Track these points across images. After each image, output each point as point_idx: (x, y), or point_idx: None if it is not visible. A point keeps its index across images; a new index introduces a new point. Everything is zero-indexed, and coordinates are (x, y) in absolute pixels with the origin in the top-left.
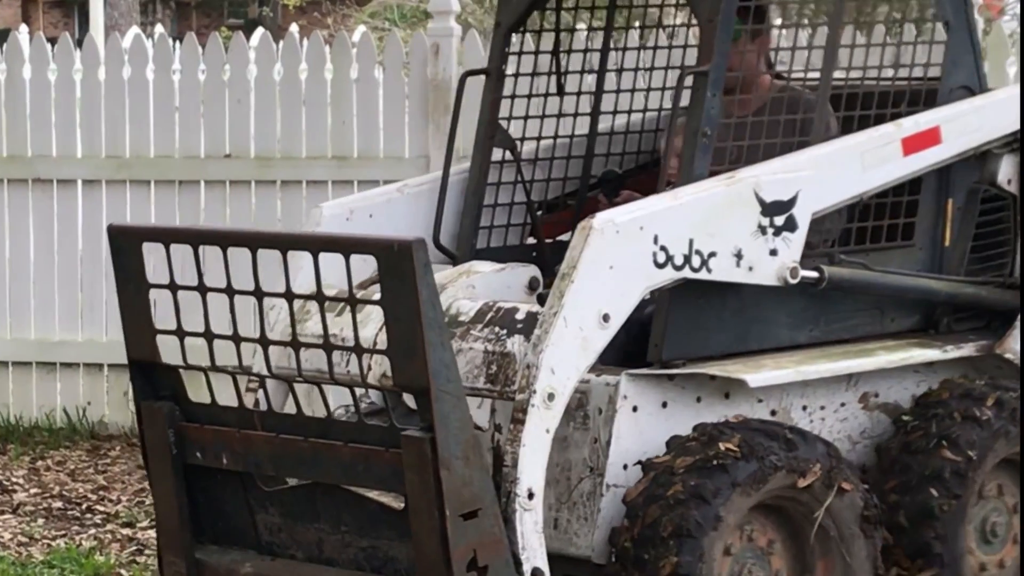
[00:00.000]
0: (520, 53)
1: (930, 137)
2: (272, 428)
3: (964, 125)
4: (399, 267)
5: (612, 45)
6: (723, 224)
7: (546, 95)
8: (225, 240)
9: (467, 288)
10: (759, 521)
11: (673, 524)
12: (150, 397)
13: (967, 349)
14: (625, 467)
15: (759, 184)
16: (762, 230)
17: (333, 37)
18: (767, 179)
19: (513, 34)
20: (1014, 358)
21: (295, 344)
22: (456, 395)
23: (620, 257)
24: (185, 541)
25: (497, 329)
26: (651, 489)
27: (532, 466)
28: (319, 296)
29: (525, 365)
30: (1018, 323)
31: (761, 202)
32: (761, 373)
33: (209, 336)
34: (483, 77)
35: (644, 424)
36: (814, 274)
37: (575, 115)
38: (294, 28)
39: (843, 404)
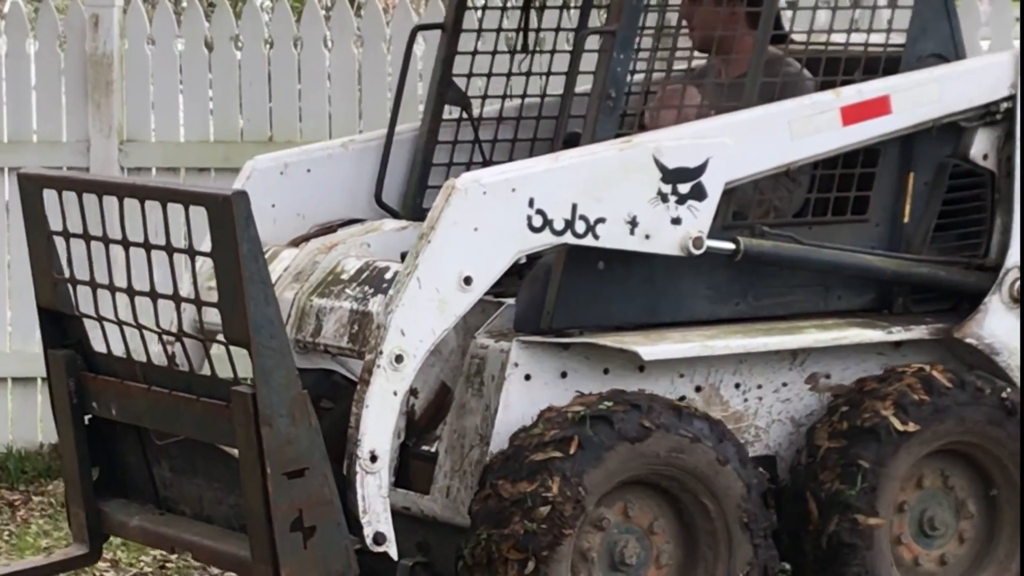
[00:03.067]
0: (485, 8)
1: (877, 107)
2: (150, 380)
3: (920, 95)
4: (223, 220)
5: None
6: (614, 189)
7: (512, 52)
8: (96, 188)
9: (361, 246)
10: (635, 501)
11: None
12: (55, 345)
13: (918, 332)
14: None
15: (660, 149)
16: (663, 197)
17: None
18: (670, 144)
19: None
20: (976, 343)
21: (131, 292)
22: (280, 351)
23: (487, 219)
24: (86, 492)
25: (366, 288)
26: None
27: (376, 428)
28: (168, 247)
29: (376, 325)
30: (983, 307)
31: (662, 168)
32: (659, 346)
33: (93, 285)
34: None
35: (539, 394)
36: (729, 246)
37: (547, 74)
38: None
39: (785, 384)
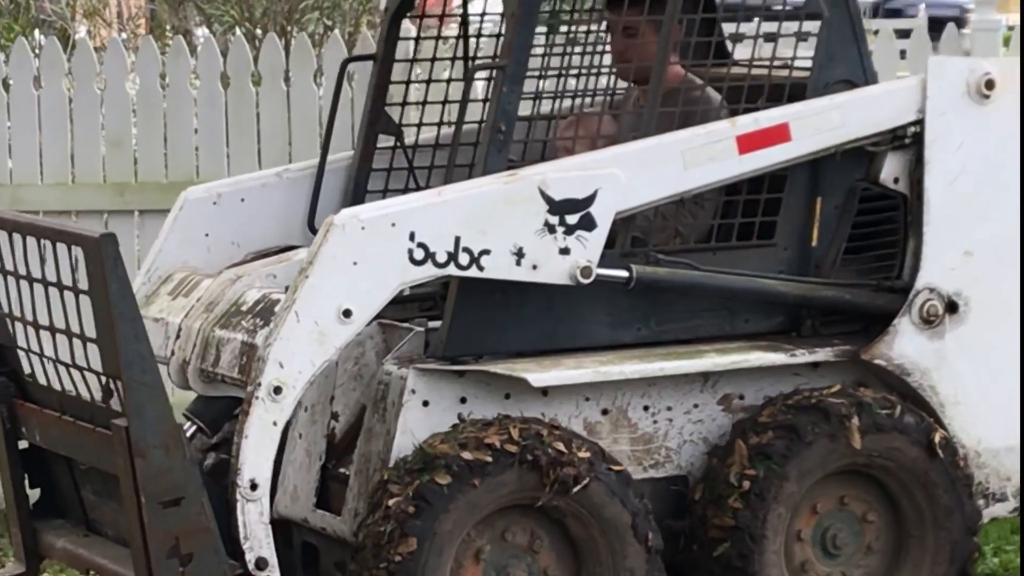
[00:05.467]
0: (419, 38)
1: (775, 134)
2: (65, 409)
3: (821, 122)
4: (94, 260)
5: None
6: (499, 222)
7: (449, 80)
8: (7, 226)
9: (267, 277)
10: (516, 524)
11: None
12: None
13: (823, 354)
14: None
15: (546, 182)
16: (550, 228)
17: None
18: (556, 176)
19: (403, 19)
20: (886, 364)
21: (34, 324)
22: (152, 386)
23: (366, 253)
24: (22, 513)
25: (258, 320)
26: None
27: (255, 457)
28: (59, 284)
29: (257, 358)
30: (892, 328)
31: (549, 200)
32: (550, 372)
33: (11, 316)
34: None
35: (438, 419)
36: (622, 274)
37: (485, 101)
38: None
39: (696, 405)
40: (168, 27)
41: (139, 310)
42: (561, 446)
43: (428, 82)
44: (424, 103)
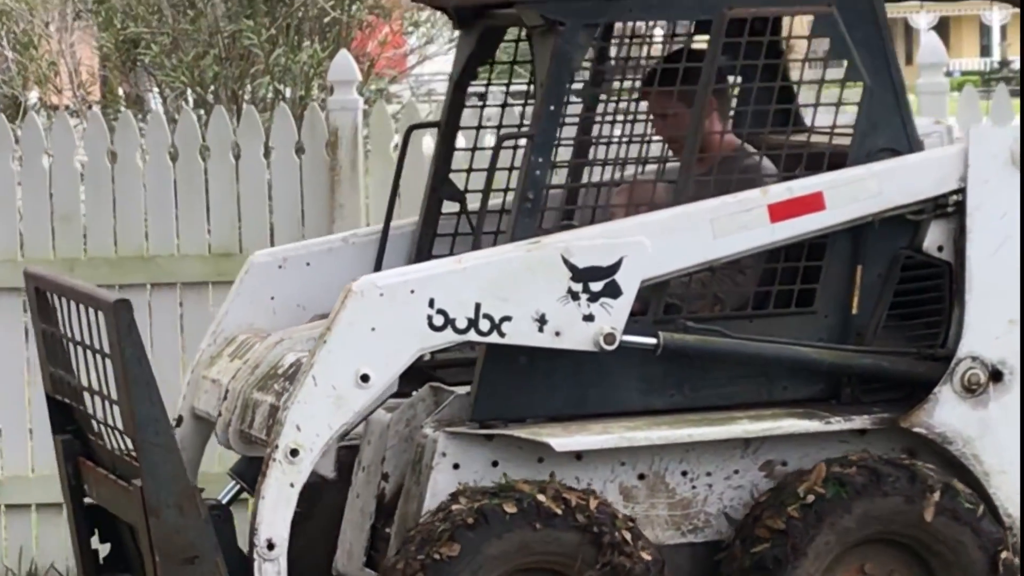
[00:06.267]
0: (484, 106)
1: (809, 203)
2: (115, 468)
3: (857, 191)
4: (111, 324)
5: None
6: (521, 289)
7: (515, 147)
8: (57, 289)
9: (307, 341)
10: None
11: None
12: (59, 431)
13: (859, 422)
14: None
15: (569, 250)
16: (573, 295)
17: None
18: (580, 244)
19: (468, 88)
20: (926, 432)
21: (81, 388)
22: (166, 447)
23: (384, 319)
24: (87, 569)
25: (286, 383)
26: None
27: (272, 518)
28: (86, 344)
29: (276, 421)
30: (932, 397)
31: (572, 267)
32: (574, 437)
33: (65, 379)
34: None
35: (469, 482)
36: (650, 340)
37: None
38: None
39: (737, 471)
40: (121, 92)
41: (153, 373)
42: (629, 536)
43: (496, 149)
44: (491, 169)
